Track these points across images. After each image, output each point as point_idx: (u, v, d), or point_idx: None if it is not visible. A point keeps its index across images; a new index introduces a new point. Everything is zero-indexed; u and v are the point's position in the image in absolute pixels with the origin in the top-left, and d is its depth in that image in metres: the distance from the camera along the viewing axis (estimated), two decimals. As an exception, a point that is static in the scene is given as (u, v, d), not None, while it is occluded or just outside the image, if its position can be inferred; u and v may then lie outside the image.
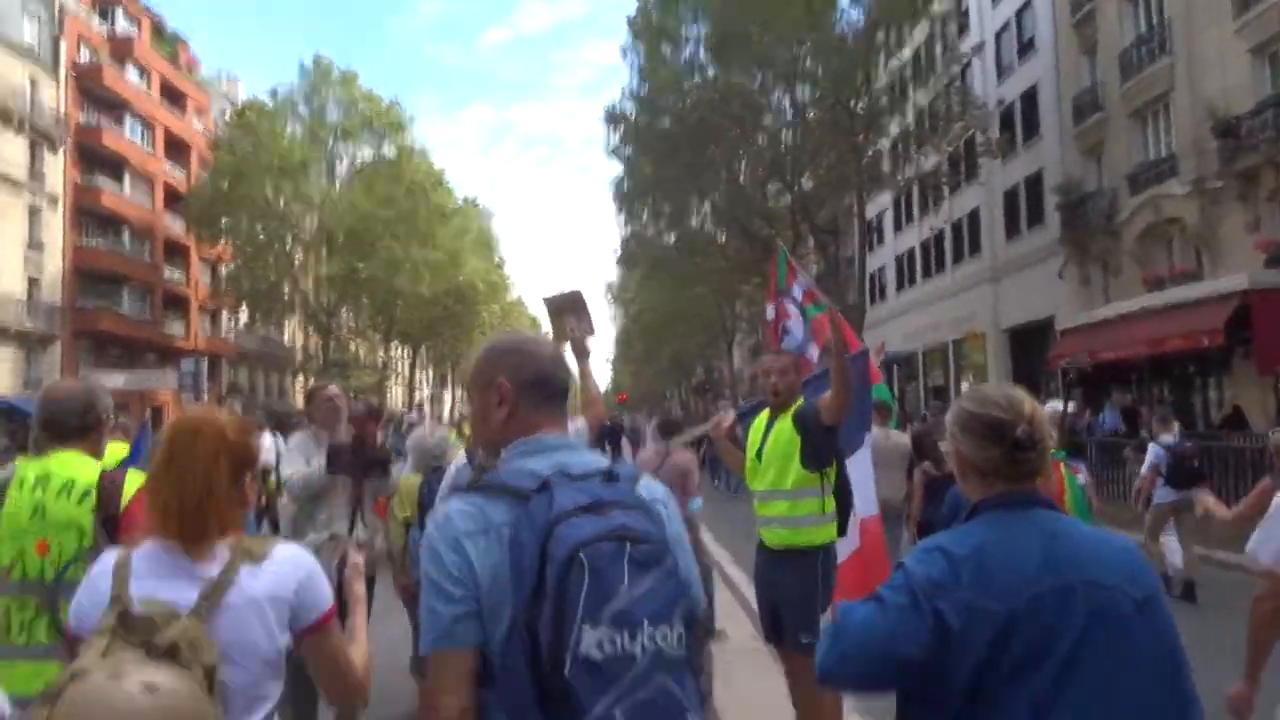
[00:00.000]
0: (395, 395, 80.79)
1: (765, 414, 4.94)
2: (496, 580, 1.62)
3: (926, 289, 40.34)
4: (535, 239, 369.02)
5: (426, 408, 77.86)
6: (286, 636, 1.96)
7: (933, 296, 39.37)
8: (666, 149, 29.52)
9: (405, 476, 5.81)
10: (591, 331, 4.07)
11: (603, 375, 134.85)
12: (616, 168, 34.53)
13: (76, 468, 2.84)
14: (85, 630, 1.83)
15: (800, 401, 4.74)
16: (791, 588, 4.67)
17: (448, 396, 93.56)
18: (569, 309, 4.05)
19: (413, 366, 68.63)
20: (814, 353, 6.65)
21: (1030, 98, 30.82)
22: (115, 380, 33.89)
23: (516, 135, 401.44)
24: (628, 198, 33.96)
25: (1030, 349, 31.52)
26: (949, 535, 1.91)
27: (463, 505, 1.71)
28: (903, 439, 9.36)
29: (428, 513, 2.80)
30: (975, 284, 34.90)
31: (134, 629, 1.69)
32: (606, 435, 16.07)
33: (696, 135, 29.02)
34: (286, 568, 2.00)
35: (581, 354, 4.03)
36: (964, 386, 37.59)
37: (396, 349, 68.97)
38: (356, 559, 2.47)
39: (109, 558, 1.97)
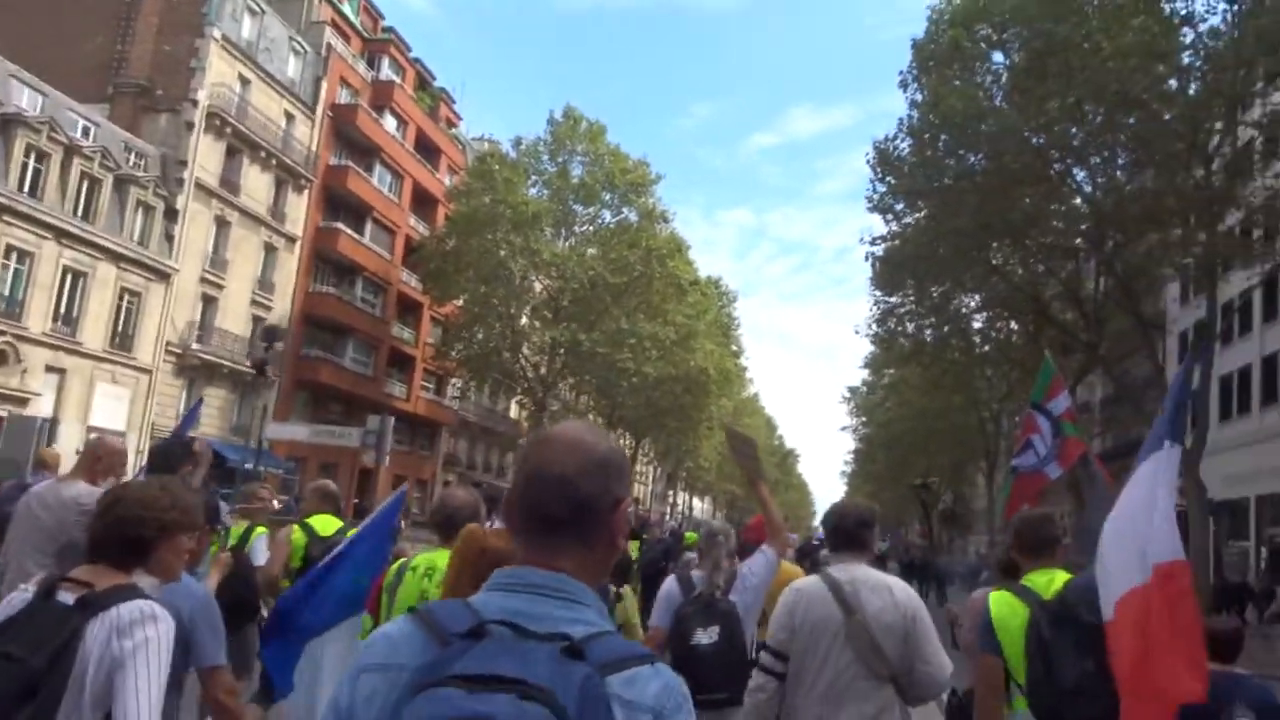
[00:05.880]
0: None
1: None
2: None
3: (1269, 419, 31.59)
4: (780, 344, 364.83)
5: (650, 507, 73.83)
6: None
7: (1276, 429, 30.66)
8: (948, 201, 23.71)
9: None
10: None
11: (837, 491, 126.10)
12: (868, 270, 28.67)
13: None
14: None
15: None
16: None
17: (671, 496, 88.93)
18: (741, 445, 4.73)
19: (633, 459, 64.84)
20: (1055, 472, 6.61)
21: None
22: (299, 433, 31.56)
23: (771, 240, 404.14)
24: (887, 266, 27.71)
25: None
26: None
27: (389, 631, 1.40)
28: None
29: None
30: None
31: None
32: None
33: (988, 190, 23.18)
34: None
35: (754, 479, 4.57)
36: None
37: (620, 438, 65.39)
38: None
39: None
